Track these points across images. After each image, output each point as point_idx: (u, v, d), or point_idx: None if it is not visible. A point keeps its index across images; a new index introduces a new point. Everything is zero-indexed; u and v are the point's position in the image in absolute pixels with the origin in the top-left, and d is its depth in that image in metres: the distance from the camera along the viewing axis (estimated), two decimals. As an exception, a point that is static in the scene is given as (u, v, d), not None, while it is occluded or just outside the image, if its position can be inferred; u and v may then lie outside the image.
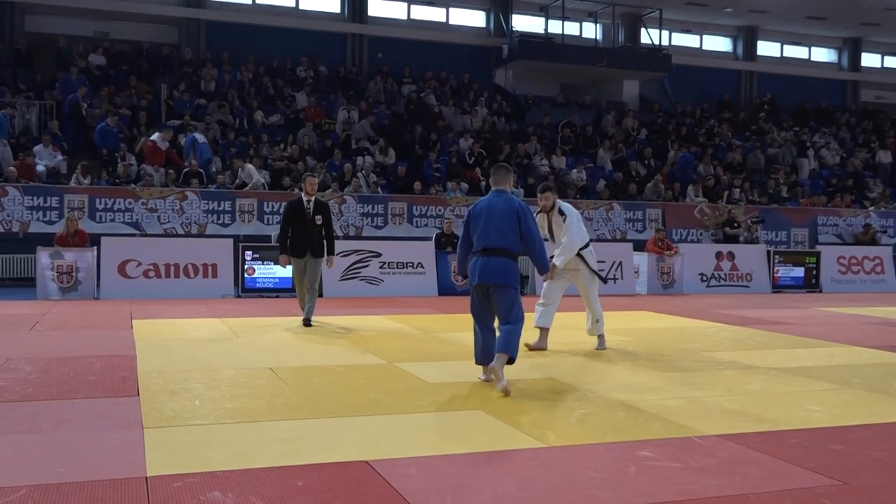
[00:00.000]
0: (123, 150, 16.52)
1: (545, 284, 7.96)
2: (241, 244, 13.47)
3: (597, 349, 8.14)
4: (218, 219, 15.60)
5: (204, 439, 4.56)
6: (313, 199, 9.47)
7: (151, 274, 12.98)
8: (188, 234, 15.21)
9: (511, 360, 6.07)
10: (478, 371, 6.41)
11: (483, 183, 18.41)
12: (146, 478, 3.85)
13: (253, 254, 13.34)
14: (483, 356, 6.29)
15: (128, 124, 17.85)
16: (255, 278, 13.32)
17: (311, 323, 9.52)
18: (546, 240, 7.39)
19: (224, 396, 5.64)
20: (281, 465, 4.08)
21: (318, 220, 9.41)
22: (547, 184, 8.29)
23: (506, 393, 5.76)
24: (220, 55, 21.46)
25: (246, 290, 13.19)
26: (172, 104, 19.06)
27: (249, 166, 16.57)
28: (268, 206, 15.85)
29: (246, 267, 13.24)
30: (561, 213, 7.82)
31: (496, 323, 6.30)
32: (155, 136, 16.54)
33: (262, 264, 13.32)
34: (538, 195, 7.95)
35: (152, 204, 15.16)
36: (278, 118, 19.68)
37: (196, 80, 20.30)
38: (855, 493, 3.83)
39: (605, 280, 8.19)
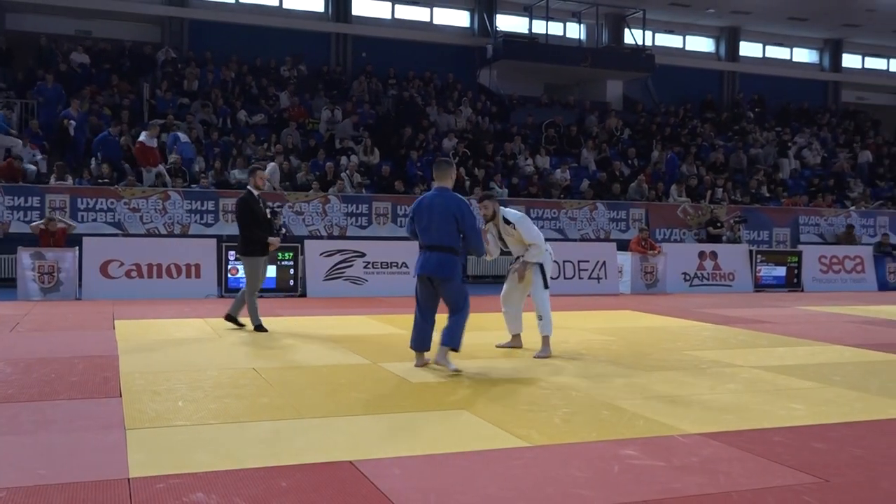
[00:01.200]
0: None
1: (505, 286, 8.03)
2: (224, 244, 13.41)
3: (535, 357, 7.50)
4: (201, 218, 15.52)
5: (187, 440, 4.54)
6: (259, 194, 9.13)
7: (134, 274, 12.90)
8: (171, 234, 15.13)
9: (455, 350, 6.75)
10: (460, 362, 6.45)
11: (468, 182, 18.43)
12: (129, 479, 3.83)
13: (236, 254, 13.27)
14: (416, 343, 6.92)
15: (110, 124, 17.71)
16: (239, 278, 13.23)
17: (238, 321, 9.15)
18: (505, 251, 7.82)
19: (207, 397, 5.61)
20: (264, 465, 4.07)
21: (268, 214, 9.24)
22: (487, 192, 8.22)
23: (456, 373, 6.54)
24: (204, 54, 21.36)
25: (229, 290, 13.12)
26: (155, 103, 18.95)
27: (272, 164, 16.63)
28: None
29: (229, 267, 13.18)
30: (507, 221, 7.68)
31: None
32: (142, 137, 16.39)
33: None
34: (477, 204, 7.89)
35: (135, 204, 15.06)
36: (262, 118, 19.61)
37: (179, 80, 20.19)
38: (836, 491, 3.86)
39: (547, 285, 7.74)
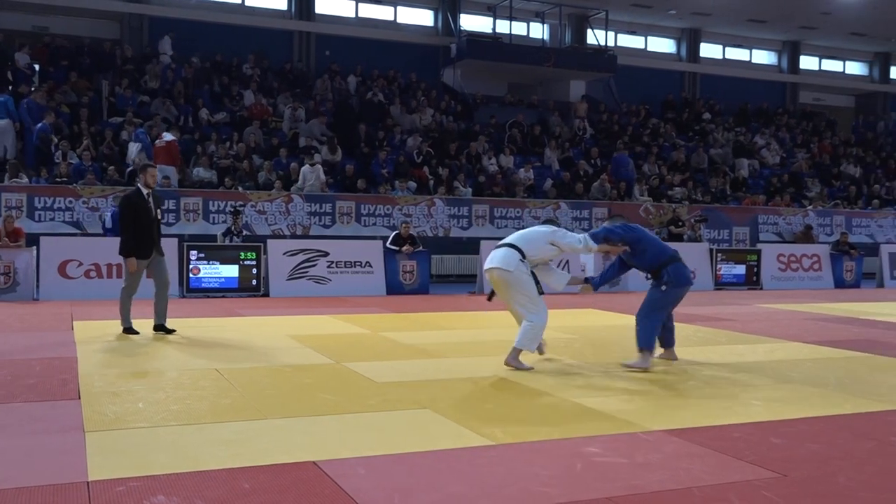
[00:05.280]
0: (65, 149, 16.13)
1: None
2: (185, 244, 13.26)
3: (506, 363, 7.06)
4: (162, 218, 15.26)
5: (147, 442, 4.48)
6: (151, 192, 8.64)
7: (93, 274, 12.70)
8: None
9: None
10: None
11: (432, 181, 18.43)
12: (88, 482, 3.77)
13: (198, 253, 13.14)
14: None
15: (68, 122, 17.44)
16: (201, 278, 13.13)
17: (168, 328, 8.73)
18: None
19: (168, 398, 5.55)
20: (227, 467, 4.03)
21: (159, 214, 8.78)
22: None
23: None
24: (164, 51, 21.08)
25: (191, 290, 12.99)
26: (114, 101, 18.69)
27: (306, 167, 16.50)
28: (213, 205, 15.63)
29: (191, 267, 13.04)
30: None
31: None
32: (169, 136, 16.12)
33: (208, 264, 13.14)
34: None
35: (94, 202, 14.84)
36: (224, 116, 19.43)
37: (139, 77, 19.93)
38: (793, 485, 3.92)
39: (489, 298, 7.52)
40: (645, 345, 7.03)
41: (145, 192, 8.57)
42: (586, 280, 7.64)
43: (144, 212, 8.51)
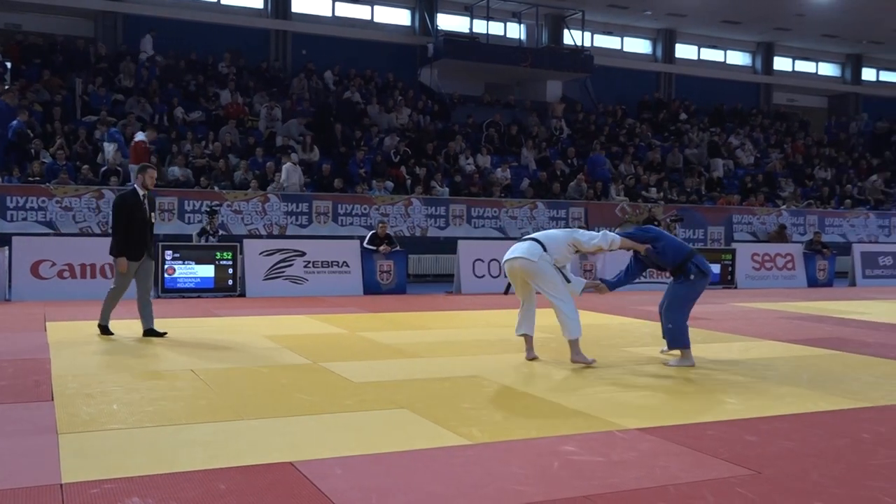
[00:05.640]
0: (38, 147, 15.95)
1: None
2: (160, 243, 13.15)
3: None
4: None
5: (122, 444, 4.44)
6: (147, 193, 8.50)
7: (66, 274, 12.57)
8: (105, 234, 14.77)
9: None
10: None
11: (409, 181, 18.42)
12: (61, 485, 3.73)
13: (173, 253, 13.05)
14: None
15: (41, 120, 17.24)
16: (176, 278, 13.03)
17: (159, 330, 8.52)
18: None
19: (143, 399, 5.51)
20: (203, 468, 4.00)
21: (153, 217, 8.66)
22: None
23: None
24: (138, 49, 20.91)
25: (166, 290, 12.89)
26: (88, 99, 18.50)
27: (288, 164, 16.36)
28: (189, 205, 15.52)
29: (166, 267, 12.94)
30: None
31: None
32: (141, 136, 15.94)
33: (183, 264, 13.04)
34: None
35: (67, 202, 14.68)
36: (199, 115, 19.29)
37: (113, 75, 19.74)
38: (768, 482, 3.96)
39: (506, 292, 7.70)
40: (683, 343, 7.20)
41: (141, 192, 8.47)
42: (602, 281, 7.70)
43: (139, 213, 8.41)
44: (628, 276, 7.61)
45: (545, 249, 6.98)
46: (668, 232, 7.86)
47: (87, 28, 22.26)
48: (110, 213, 8.51)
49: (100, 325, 8.56)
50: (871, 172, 26.43)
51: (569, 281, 7.10)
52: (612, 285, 7.58)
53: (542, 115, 24.23)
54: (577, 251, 7.25)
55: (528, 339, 7.40)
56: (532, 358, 7.34)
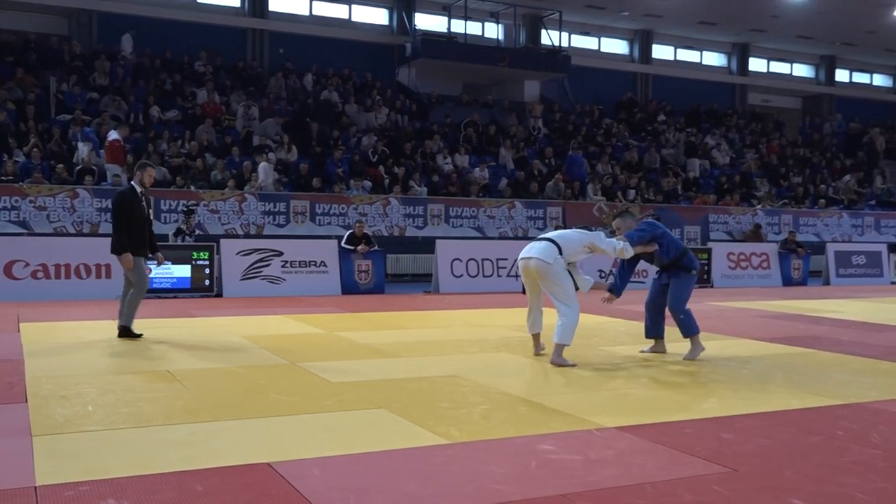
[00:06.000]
0: (11, 146, 15.76)
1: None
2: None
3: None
4: (111, 217, 15.04)
5: (98, 446, 4.40)
6: (144, 191, 8.49)
7: (40, 275, 12.43)
8: (80, 234, 14.64)
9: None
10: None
11: (387, 181, 18.39)
12: (35, 487, 3.69)
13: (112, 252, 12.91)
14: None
15: (14, 119, 17.04)
16: (152, 278, 12.87)
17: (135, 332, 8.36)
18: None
19: (119, 401, 5.46)
20: (179, 469, 3.97)
21: (151, 214, 8.66)
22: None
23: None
24: (113, 48, 20.73)
25: (142, 290, 12.77)
26: (62, 98, 18.31)
27: (264, 164, 16.22)
28: (165, 205, 15.41)
29: (142, 267, 12.82)
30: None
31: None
32: (115, 135, 15.78)
33: (158, 264, 12.91)
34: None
35: (41, 202, 14.52)
36: (176, 114, 19.16)
37: (87, 74, 19.55)
38: (743, 479, 4.00)
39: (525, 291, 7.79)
40: (696, 330, 7.56)
41: (139, 190, 8.42)
42: (610, 290, 7.81)
43: (138, 210, 8.38)
44: (625, 278, 7.80)
45: (560, 251, 7.11)
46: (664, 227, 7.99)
47: (60, 26, 22.02)
48: (111, 211, 8.43)
49: (127, 331, 8.32)
50: (845, 172, 26.75)
51: (577, 287, 7.28)
52: (619, 291, 7.75)
53: (520, 115, 24.29)
54: (590, 252, 7.39)
55: (538, 336, 7.59)
56: (539, 354, 7.54)
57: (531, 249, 7.24)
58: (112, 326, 9.19)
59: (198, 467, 4.01)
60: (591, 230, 7.55)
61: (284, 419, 5.07)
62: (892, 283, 19.13)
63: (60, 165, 15.63)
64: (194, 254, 13.19)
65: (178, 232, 14.05)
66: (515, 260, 15.23)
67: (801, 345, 8.62)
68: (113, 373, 6.47)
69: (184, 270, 13.10)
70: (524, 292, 7.78)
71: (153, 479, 3.82)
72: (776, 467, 4.21)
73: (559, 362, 7.07)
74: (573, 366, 7.08)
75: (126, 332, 8.33)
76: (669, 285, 7.66)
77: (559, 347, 7.11)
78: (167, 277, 13.02)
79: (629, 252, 7.35)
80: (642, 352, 7.88)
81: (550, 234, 7.40)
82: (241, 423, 4.93)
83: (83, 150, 16.07)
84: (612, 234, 7.64)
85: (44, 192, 14.59)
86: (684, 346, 7.89)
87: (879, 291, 16.38)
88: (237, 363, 7.00)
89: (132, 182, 8.55)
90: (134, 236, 8.33)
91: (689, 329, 7.57)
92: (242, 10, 23.96)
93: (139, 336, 8.33)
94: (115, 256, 8.48)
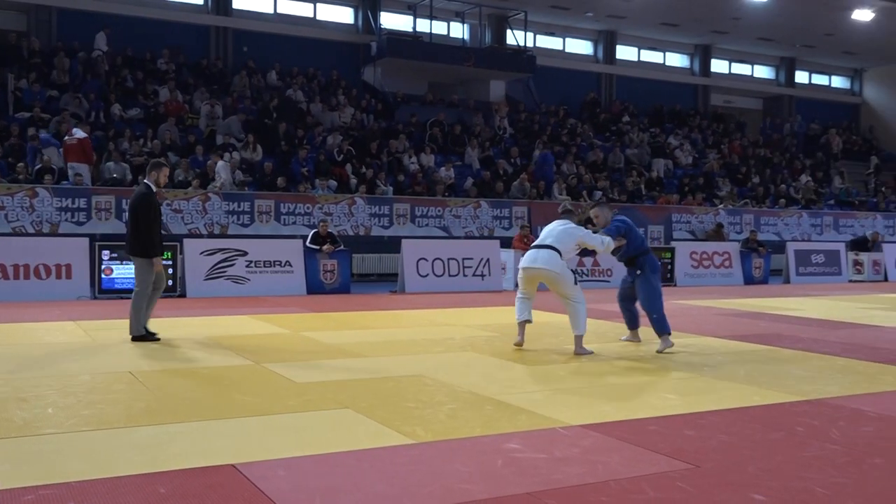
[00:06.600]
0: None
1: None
2: (97, 243, 12.87)
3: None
4: (72, 217, 14.85)
5: (58, 449, 4.33)
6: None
7: (-2, 275, 12.21)
8: (39, 233, 14.40)
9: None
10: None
11: (354, 181, 18.32)
12: (-7, 492, 3.63)
13: (111, 253, 12.76)
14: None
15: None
16: (114, 279, 12.76)
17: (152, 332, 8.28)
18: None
19: (80, 403, 5.38)
20: (142, 472, 3.93)
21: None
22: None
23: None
24: (73, 45, 20.41)
25: (103, 291, 12.61)
26: (21, 95, 17.99)
27: (221, 163, 16.02)
28: (126, 204, 15.15)
29: (103, 267, 12.65)
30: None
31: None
32: (79, 133, 15.48)
33: (121, 264, 12.76)
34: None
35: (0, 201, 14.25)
36: (138, 112, 18.91)
37: (47, 71, 19.22)
38: (706, 475, 4.05)
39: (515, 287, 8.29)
40: (668, 329, 7.99)
41: (154, 189, 8.32)
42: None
43: (158, 210, 8.37)
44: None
45: (561, 256, 7.67)
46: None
47: (19, 22, 21.63)
48: (133, 212, 8.14)
49: (140, 335, 8.13)
50: (804, 172, 27.20)
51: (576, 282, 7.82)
52: (614, 236, 8.15)
53: (486, 115, 24.34)
54: (579, 248, 7.99)
55: (525, 325, 8.03)
56: (519, 343, 7.94)
57: (536, 260, 7.72)
58: (73, 327, 9.07)
59: (161, 469, 3.97)
60: (573, 215, 8.14)
61: (249, 420, 5.03)
62: (851, 281, 19.47)
63: (21, 164, 15.35)
64: (157, 254, 13.01)
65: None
66: (481, 260, 15.32)
67: (762, 342, 8.75)
68: (73, 374, 6.38)
69: (146, 270, 12.92)
70: (517, 288, 8.27)
71: (115, 483, 3.77)
72: (738, 463, 4.27)
73: (581, 352, 7.65)
74: (591, 353, 7.66)
75: (148, 335, 8.18)
76: (635, 284, 8.22)
77: (580, 339, 7.69)
78: (129, 278, 12.82)
79: (612, 246, 7.90)
80: (622, 339, 8.67)
81: (549, 239, 7.82)
82: (205, 425, 4.89)
83: (48, 155, 15.74)
84: (587, 222, 8.20)
85: (2, 192, 14.32)
86: (644, 346, 7.96)
87: (838, 289, 16.68)
88: (200, 364, 6.93)
89: (146, 181, 8.41)
90: (156, 237, 8.24)
91: (661, 328, 8.02)
92: (206, 7, 23.72)
93: (157, 337, 8.20)
94: (129, 258, 8.44)
